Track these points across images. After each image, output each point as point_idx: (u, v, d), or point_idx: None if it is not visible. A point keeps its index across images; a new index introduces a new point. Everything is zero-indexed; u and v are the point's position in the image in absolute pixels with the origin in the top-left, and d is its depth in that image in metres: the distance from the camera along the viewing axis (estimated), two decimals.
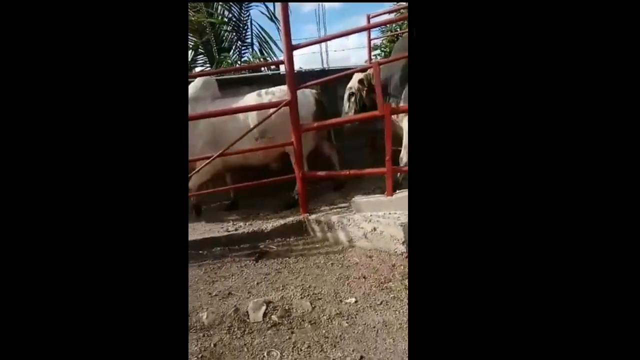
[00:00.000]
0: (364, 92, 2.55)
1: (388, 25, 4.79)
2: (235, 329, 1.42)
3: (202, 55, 5.35)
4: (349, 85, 2.65)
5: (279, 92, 2.69)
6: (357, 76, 2.61)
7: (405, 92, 2.46)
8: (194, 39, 5.16)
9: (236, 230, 2.39)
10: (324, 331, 1.35)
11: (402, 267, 1.73)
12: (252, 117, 2.63)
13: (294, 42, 2.36)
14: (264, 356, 1.25)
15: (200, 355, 1.29)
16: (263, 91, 2.76)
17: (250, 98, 2.75)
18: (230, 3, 5.05)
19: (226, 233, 2.36)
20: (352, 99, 2.57)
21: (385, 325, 1.34)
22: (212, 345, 1.34)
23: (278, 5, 2.38)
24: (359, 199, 2.24)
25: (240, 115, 2.67)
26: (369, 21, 3.61)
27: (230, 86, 3.30)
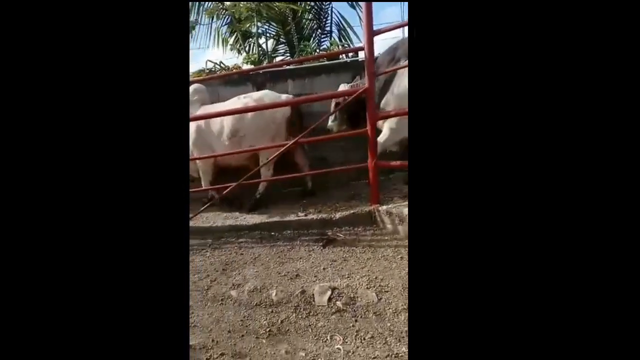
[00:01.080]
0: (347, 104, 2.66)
1: None
2: (301, 310, 1.47)
3: (283, 45, 5.53)
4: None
5: (256, 96, 2.87)
6: (342, 87, 2.72)
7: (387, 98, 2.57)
8: (276, 28, 5.36)
9: (306, 216, 2.45)
10: (388, 324, 1.32)
11: None
12: (227, 120, 2.79)
13: (374, 27, 2.29)
14: (327, 339, 1.28)
15: (268, 330, 1.36)
16: (242, 96, 2.94)
17: (229, 103, 2.93)
18: None
19: (296, 218, 2.44)
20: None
21: None
22: (279, 321, 1.41)
23: None
24: None
25: (217, 120, 2.84)
26: None
27: (309, 75, 3.38)
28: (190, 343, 1.33)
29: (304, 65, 3.51)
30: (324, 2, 5.23)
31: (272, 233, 2.36)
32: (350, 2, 5.14)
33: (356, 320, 1.37)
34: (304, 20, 5.32)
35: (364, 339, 1.26)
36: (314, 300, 1.52)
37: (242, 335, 1.35)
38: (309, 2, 5.21)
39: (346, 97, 2.51)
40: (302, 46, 4.83)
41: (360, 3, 4.87)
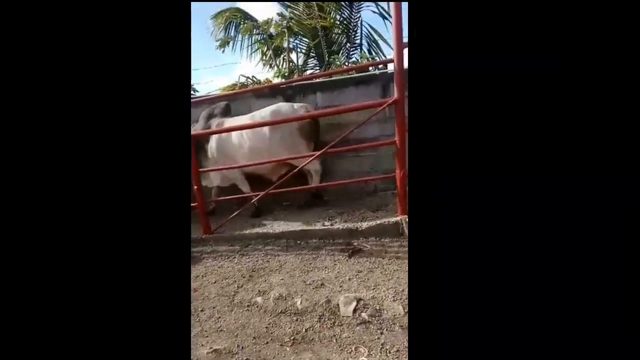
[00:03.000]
0: None
1: None
2: (326, 319, 1.45)
3: (313, 59, 5.66)
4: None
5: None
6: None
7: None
8: (307, 40, 5.50)
9: (332, 225, 2.45)
10: None
11: None
12: None
13: (405, 40, 2.30)
14: (351, 350, 1.26)
15: (292, 338, 1.36)
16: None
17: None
18: (342, 5, 5.21)
19: (322, 227, 2.44)
20: None
21: None
22: (303, 330, 1.40)
23: (391, 3, 2.34)
24: None
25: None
26: None
27: (338, 87, 3.41)
28: (217, 347, 1.35)
29: (332, 78, 3.56)
30: (353, 16, 5.32)
31: (298, 242, 2.37)
32: (380, 14, 5.19)
33: (382, 333, 1.34)
34: (333, 35, 5.42)
35: (390, 352, 1.23)
36: (339, 311, 1.50)
37: (267, 342, 1.36)
38: (338, 18, 5.32)
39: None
40: (331, 59, 4.91)
41: (390, 16, 4.91)
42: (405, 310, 1.45)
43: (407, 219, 2.24)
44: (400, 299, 1.54)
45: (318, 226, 2.48)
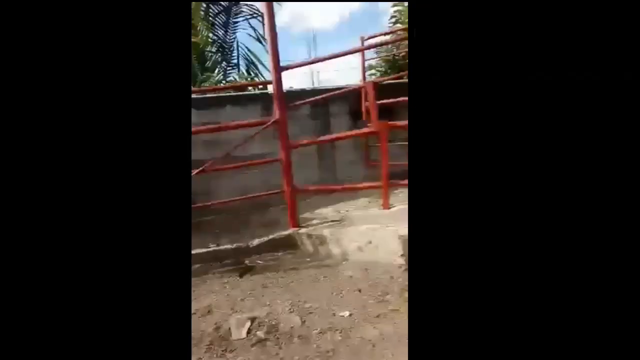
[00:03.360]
0: None
1: (384, 47, 4.78)
2: (216, 347, 1.26)
3: None
4: None
5: None
6: None
7: None
8: None
9: (218, 246, 2.24)
10: (314, 346, 1.21)
11: (400, 280, 1.62)
12: None
13: (283, 64, 2.33)
14: None
15: None
16: None
17: None
18: (215, 25, 5.12)
19: (206, 250, 2.20)
20: None
21: (383, 339, 1.22)
22: None
23: (266, 27, 2.36)
24: (353, 213, 2.15)
25: None
26: (362, 43, 3.66)
27: (215, 105, 3.26)
28: None
29: (207, 95, 3.39)
30: (228, 36, 5.28)
31: None
32: (256, 37, 5.28)
33: (280, 348, 1.23)
34: (207, 52, 5.25)
35: None
36: (230, 335, 1.33)
37: None
38: (211, 36, 5.19)
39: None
40: (204, 77, 4.71)
41: (265, 40, 5.04)
42: (302, 320, 1.38)
43: (299, 231, 2.21)
44: (297, 309, 1.46)
45: (201, 249, 2.23)
